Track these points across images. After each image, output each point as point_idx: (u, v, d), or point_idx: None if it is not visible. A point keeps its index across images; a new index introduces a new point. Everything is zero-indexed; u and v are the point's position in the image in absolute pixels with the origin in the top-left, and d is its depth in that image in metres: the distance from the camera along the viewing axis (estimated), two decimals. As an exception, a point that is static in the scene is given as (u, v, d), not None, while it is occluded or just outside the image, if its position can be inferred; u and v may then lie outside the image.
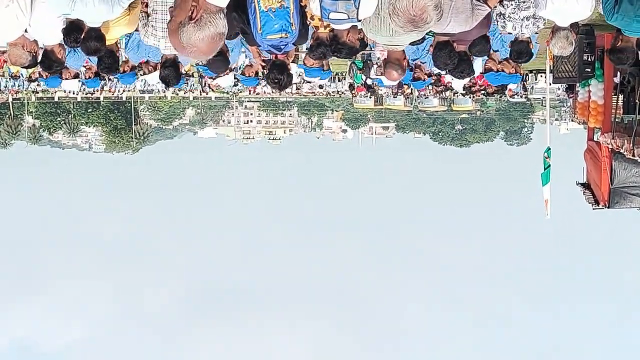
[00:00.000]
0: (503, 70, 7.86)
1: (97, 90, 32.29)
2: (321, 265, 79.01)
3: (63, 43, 5.12)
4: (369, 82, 17.56)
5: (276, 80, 5.09)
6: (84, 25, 5.00)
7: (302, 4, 4.47)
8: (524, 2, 4.83)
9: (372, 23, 3.70)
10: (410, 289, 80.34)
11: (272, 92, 36.68)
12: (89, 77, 9.52)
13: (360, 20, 3.82)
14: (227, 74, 8.17)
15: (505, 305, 78.76)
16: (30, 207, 76.73)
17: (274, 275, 77.17)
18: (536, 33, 5.57)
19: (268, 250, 78.41)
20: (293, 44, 4.49)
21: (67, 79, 8.46)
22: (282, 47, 4.37)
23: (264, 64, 7.00)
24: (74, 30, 4.82)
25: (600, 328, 78.69)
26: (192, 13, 2.44)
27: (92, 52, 5.19)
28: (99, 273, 75.37)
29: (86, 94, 38.09)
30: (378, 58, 12.75)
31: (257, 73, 8.48)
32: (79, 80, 9.22)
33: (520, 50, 5.75)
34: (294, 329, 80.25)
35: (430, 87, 19.18)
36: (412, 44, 6.06)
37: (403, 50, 4.95)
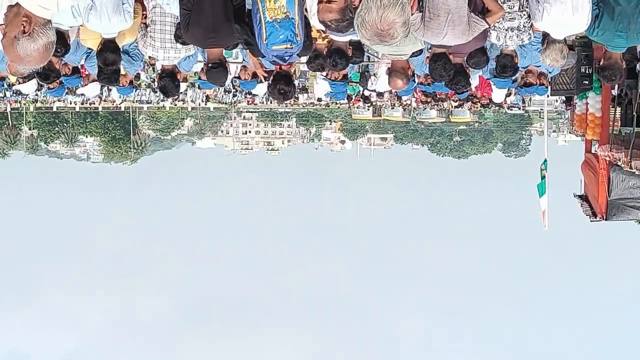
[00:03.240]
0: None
1: (97, 100, 32.19)
2: (319, 276, 78.88)
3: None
4: (366, 93, 17.59)
5: (282, 92, 5.10)
6: (66, 36, 5.10)
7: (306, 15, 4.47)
8: (509, 12, 4.85)
9: None
10: (409, 300, 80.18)
11: (271, 102, 36.57)
12: (53, 88, 8.63)
13: None
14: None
15: (502, 316, 78.62)
16: (28, 218, 76.59)
17: (271, 285, 76.99)
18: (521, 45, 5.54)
19: (265, 261, 78.25)
20: (297, 55, 4.50)
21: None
22: (286, 57, 4.38)
23: (266, 75, 6.98)
24: (58, 40, 4.93)
25: (597, 338, 78.50)
26: (24, 27, 2.68)
27: (109, 63, 5.33)
28: (94, 283, 75.18)
29: (83, 103, 38.00)
30: (374, 74, 12.76)
31: (254, 75, 8.30)
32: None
33: (505, 64, 5.77)
34: (289, 338, 79.92)
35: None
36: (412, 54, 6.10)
37: (407, 60, 4.97)
